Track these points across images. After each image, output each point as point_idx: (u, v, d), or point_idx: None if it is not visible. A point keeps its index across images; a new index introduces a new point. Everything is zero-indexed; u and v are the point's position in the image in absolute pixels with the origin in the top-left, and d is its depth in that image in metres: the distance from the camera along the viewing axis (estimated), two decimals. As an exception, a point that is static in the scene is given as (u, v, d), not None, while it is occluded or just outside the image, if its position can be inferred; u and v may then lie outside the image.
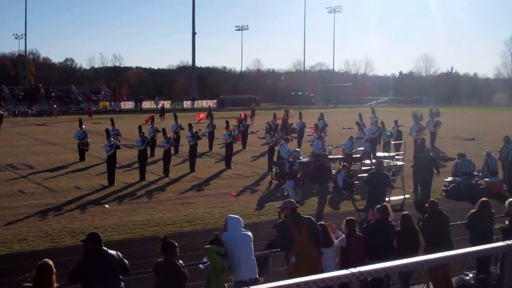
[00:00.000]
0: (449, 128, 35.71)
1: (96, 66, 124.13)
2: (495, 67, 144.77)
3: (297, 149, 20.65)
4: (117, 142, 21.98)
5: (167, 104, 71.80)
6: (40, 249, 12.30)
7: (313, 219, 8.58)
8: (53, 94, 79.21)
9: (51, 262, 6.54)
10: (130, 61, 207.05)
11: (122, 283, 7.29)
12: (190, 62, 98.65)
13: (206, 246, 7.95)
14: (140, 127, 24.04)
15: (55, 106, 65.94)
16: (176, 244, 7.67)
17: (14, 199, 17.69)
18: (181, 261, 7.73)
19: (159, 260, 7.64)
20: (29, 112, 66.74)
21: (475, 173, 19.42)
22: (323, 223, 8.98)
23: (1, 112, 49.98)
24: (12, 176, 22.03)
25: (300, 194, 16.10)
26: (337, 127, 40.69)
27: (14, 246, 12.68)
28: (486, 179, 19.14)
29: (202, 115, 44.58)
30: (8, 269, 10.77)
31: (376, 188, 13.70)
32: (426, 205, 10.38)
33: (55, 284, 6.45)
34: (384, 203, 9.63)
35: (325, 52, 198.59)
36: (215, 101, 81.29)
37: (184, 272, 7.56)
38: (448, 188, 18.67)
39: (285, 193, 16.15)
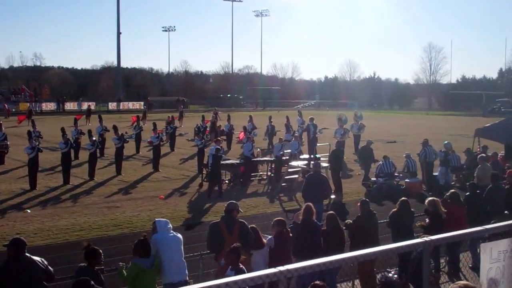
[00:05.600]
0: (372, 131, 36.79)
1: (15, 65, 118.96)
2: (415, 73, 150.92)
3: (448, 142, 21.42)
4: (37, 144, 21.23)
5: (92, 105, 69.94)
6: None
7: (246, 223, 8.66)
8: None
9: None
10: (52, 60, 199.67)
11: None
12: (115, 63, 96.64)
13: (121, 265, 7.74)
14: (63, 129, 23.43)
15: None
16: (100, 251, 7.39)
17: None
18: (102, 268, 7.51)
19: (81, 265, 7.30)
20: None
21: (396, 174, 20.18)
22: (254, 226, 9.06)
23: None
24: None
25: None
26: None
27: None
28: (406, 180, 19.93)
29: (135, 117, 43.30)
30: None
31: (313, 190, 13.87)
32: (359, 204, 10.73)
33: None
34: (308, 204, 9.80)
35: (253, 55, 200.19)
36: (142, 102, 79.89)
37: (102, 281, 7.21)
38: (371, 189, 19.33)
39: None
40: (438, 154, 20.85)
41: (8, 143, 26.01)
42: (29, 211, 16.18)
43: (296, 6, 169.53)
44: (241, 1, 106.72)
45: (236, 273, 6.84)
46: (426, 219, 10.90)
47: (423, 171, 20.75)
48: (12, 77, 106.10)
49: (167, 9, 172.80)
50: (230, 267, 7.25)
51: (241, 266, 7.20)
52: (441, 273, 10.46)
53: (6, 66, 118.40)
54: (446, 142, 21.52)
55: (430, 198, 11.26)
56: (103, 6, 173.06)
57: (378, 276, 9.80)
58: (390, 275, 9.56)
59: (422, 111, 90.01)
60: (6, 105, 63.23)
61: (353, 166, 25.28)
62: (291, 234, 9.23)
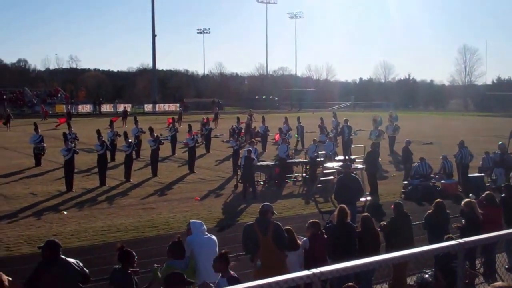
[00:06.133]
0: (407, 132, 36.31)
1: (51, 67, 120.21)
2: (450, 74, 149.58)
3: None
4: (73, 145, 21.52)
5: (128, 107, 70.78)
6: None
7: (280, 224, 8.68)
8: (5, 97, 76.48)
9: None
10: (88, 63, 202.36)
11: None
12: (151, 65, 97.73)
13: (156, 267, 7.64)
14: (98, 131, 23.71)
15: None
16: (133, 253, 7.34)
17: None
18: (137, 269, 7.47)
19: (116, 266, 7.27)
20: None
21: (432, 175, 19.97)
22: (289, 227, 9.08)
23: None
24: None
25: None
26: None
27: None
28: (442, 181, 19.72)
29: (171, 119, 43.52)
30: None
31: (345, 191, 13.76)
32: (392, 206, 10.66)
33: None
34: (341, 205, 9.75)
35: (287, 56, 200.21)
36: (177, 104, 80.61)
37: (135, 283, 7.21)
38: (407, 190, 19.17)
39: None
40: (493, 156, 21.02)
41: (45, 145, 26.29)
42: (65, 212, 16.30)
43: (330, 8, 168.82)
44: (276, 3, 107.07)
45: (228, 281, 6.78)
46: (463, 220, 10.78)
47: (458, 172, 20.50)
48: (48, 80, 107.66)
49: (202, 11, 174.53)
50: (220, 275, 7.07)
51: (232, 273, 7.06)
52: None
53: (42, 69, 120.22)
54: (500, 142, 21.34)
55: (466, 200, 11.13)
56: (138, 9, 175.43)
57: (414, 278, 9.74)
58: (427, 276, 9.49)
59: (457, 112, 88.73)
60: (43, 107, 64.31)
61: (389, 168, 25.06)
62: (325, 236, 9.21)
